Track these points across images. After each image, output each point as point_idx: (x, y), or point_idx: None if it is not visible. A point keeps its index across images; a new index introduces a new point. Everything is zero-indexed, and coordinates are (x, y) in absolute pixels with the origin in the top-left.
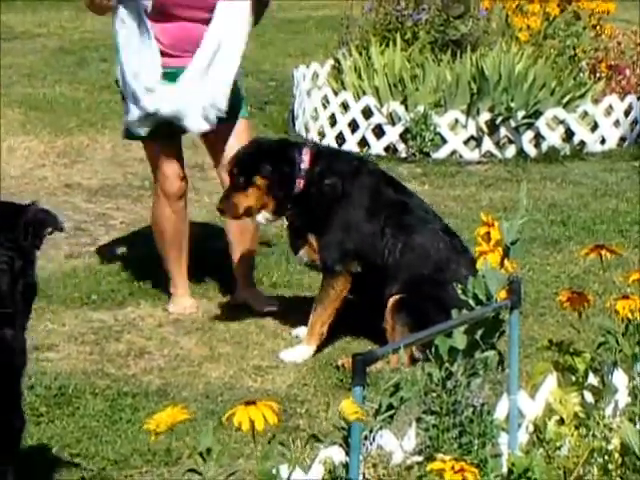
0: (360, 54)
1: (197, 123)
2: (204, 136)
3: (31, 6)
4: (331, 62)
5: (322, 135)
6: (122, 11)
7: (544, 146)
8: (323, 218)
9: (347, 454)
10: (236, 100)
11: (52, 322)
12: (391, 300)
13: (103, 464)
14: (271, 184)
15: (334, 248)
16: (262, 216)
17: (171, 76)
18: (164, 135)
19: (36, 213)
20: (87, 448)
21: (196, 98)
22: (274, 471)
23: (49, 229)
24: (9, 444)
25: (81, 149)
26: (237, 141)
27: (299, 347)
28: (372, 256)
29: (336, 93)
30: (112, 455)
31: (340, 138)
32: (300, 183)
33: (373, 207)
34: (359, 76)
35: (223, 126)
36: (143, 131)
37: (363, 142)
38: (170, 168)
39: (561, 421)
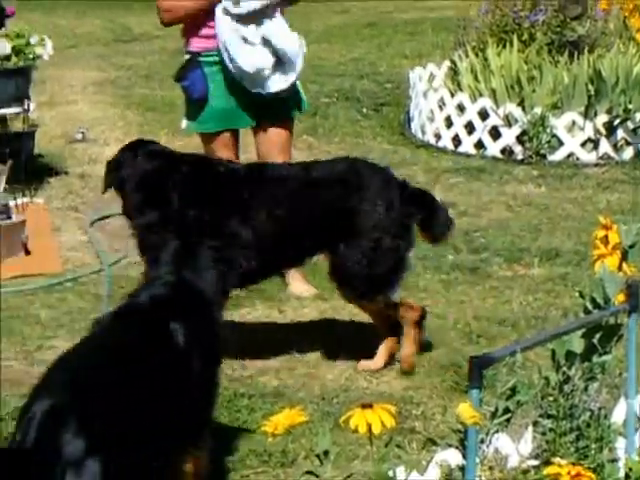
0: (477, 55)
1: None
2: (255, 129)
3: (149, 8)
4: (447, 63)
5: (438, 137)
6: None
7: None
8: None
9: (464, 457)
10: (292, 99)
11: None
12: None
13: (219, 465)
14: None
15: None
16: None
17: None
18: (224, 129)
19: None
20: None
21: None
22: (390, 473)
23: None
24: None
25: (199, 150)
26: (279, 138)
27: None
28: None
29: (452, 95)
30: (228, 456)
31: (456, 140)
32: None
33: None
34: (475, 78)
35: (272, 122)
36: (208, 126)
37: (479, 144)
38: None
39: None
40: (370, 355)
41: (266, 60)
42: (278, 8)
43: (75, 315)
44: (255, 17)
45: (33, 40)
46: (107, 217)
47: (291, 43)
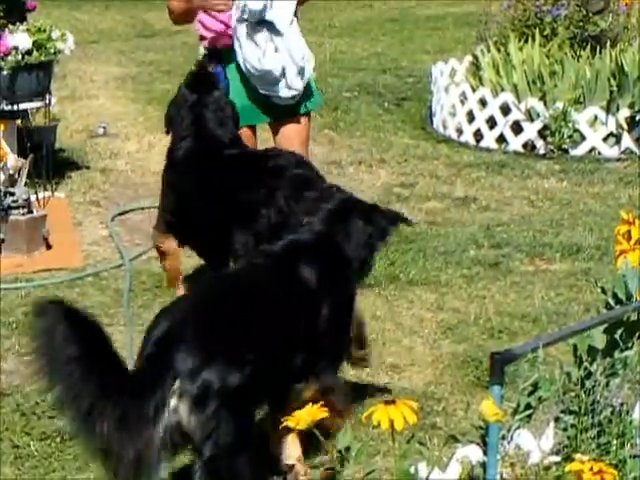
0: (498, 50)
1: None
2: (274, 128)
3: None
4: (469, 58)
5: (460, 132)
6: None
7: None
8: None
9: (485, 453)
10: (310, 92)
11: None
12: None
13: None
14: None
15: None
16: None
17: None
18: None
19: None
20: None
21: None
22: (412, 470)
23: None
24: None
25: None
26: (296, 134)
27: None
28: None
29: (474, 89)
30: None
31: (478, 134)
32: None
33: None
34: (497, 72)
35: (288, 119)
36: None
37: (501, 138)
38: None
39: None
40: (390, 352)
41: (275, 65)
42: (293, 14)
43: (96, 310)
44: (266, 23)
45: (54, 35)
46: (128, 212)
47: (300, 51)
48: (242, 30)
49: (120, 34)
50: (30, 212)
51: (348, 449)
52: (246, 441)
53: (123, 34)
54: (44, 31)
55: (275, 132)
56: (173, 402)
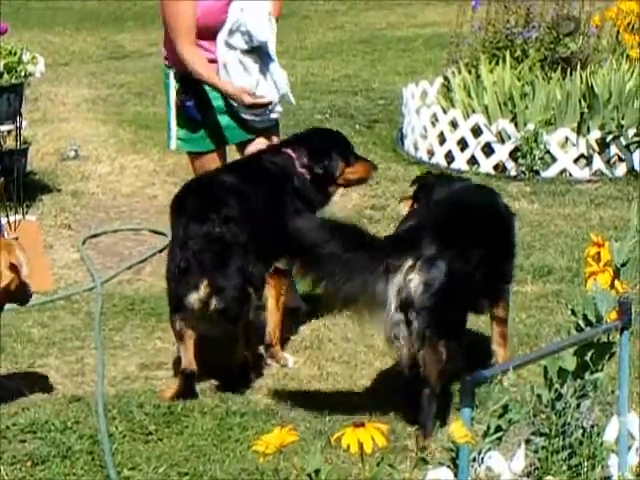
0: (469, 72)
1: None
2: (241, 145)
3: (142, 26)
4: (440, 80)
5: (431, 153)
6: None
7: None
8: None
9: (455, 475)
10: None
11: (162, 340)
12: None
13: None
14: None
15: None
16: None
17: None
18: (212, 147)
19: None
20: (195, 467)
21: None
22: None
23: None
24: None
25: (190, 167)
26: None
27: None
28: None
29: (445, 111)
30: (220, 474)
31: (449, 157)
32: None
33: None
34: (468, 94)
35: (261, 135)
36: (203, 145)
37: (472, 160)
38: None
39: None
40: (362, 374)
41: (267, 93)
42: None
43: (67, 333)
44: (259, 51)
45: (25, 58)
46: (99, 234)
47: (285, 78)
48: (233, 58)
49: (91, 56)
50: (1, 235)
51: (318, 472)
52: (457, 328)
53: (94, 56)
54: (15, 54)
55: (246, 148)
56: (411, 274)
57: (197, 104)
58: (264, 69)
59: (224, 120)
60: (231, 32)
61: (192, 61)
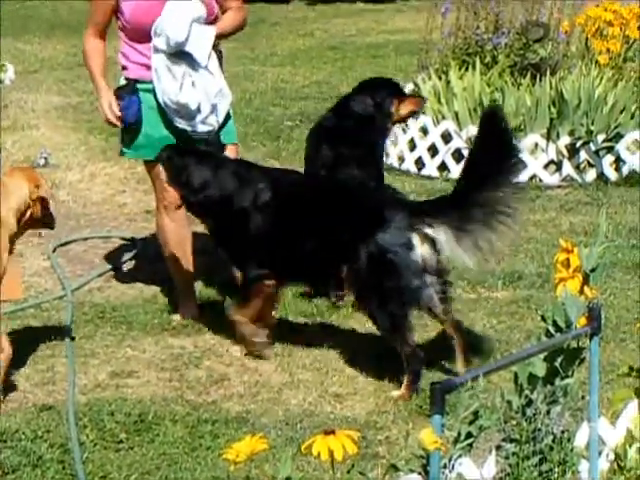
0: (439, 78)
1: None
2: None
3: (112, 34)
4: (410, 86)
5: (401, 160)
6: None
7: (624, 170)
8: None
9: None
10: (230, 127)
11: (132, 349)
12: None
13: None
14: None
15: None
16: None
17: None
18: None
19: None
20: (166, 475)
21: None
22: None
23: None
24: None
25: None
26: None
27: None
28: None
29: (415, 117)
30: None
31: (419, 163)
32: None
33: None
34: (438, 100)
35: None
36: (143, 153)
37: (443, 167)
38: None
39: None
40: (333, 381)
41: (191, 99)
42: (212, 51)
43: (38, 341)
44: (185, 55)
45: None
46: (70, 242)
47: (216, 87)
48: (160, 61)
49: (61, 63)
50: None
51: (289, 479)
52: None
53: (64, 63)
54: None
55: None
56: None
57: (132, 108)
58: (191, 74)
59: (162, 131)
60: (155, 34)
61: (88, 55)
